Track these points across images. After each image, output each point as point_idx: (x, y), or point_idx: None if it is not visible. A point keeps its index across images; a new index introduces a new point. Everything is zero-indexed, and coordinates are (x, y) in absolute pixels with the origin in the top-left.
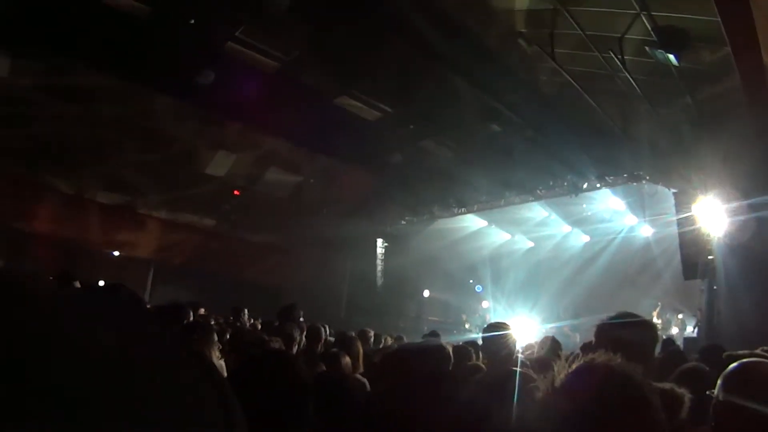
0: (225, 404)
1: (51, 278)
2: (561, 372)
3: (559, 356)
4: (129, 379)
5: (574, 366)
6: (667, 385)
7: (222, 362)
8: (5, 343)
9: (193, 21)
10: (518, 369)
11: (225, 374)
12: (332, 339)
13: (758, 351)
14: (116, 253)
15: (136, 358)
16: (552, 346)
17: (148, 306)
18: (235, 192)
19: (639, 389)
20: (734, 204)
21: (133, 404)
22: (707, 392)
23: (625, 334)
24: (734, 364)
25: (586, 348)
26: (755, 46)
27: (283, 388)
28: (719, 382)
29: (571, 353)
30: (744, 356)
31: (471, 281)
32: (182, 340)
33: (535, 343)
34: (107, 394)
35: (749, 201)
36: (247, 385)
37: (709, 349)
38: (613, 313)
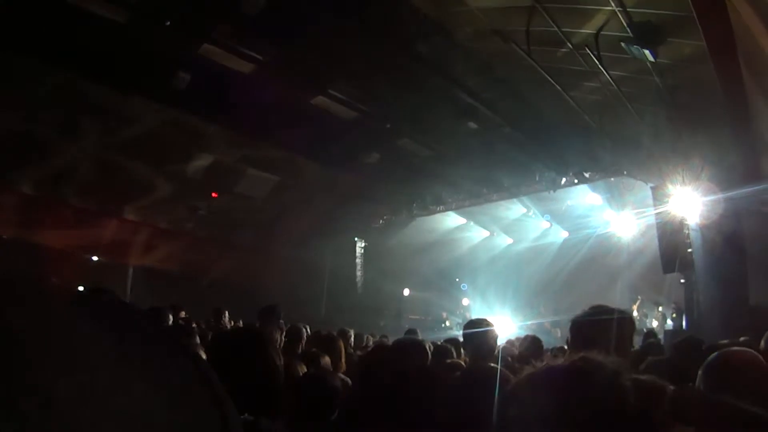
0: (219, 404)
1: None
2: (535, 367)
3: (541, 353)
4: (123, 379)
5: (544, 362)
6: (648, 377)
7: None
8: None
9: (168, 23)
10: (499, 366)
11: None
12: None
13: (741, 340)
14: (95, 258)
15: (130, 358)
16: (533, 342)
17: None
18: (213, 194)
19: (609, 389)
20: (712, 197)
21: (127, 405)
22: (689, 385)
23: (601, 328)
24: (713, 356)
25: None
26: (731, 41)
27: (253, 364)
28: (700, 373)
29: (552, 349)
30: (724, 346)
31: (457, 279)
32: (176, 340)
33: (516, 339)
34: (101, 393)
35: (726, 194)
36: (218, 362)
37: (686, 342)
38: (587, 308)
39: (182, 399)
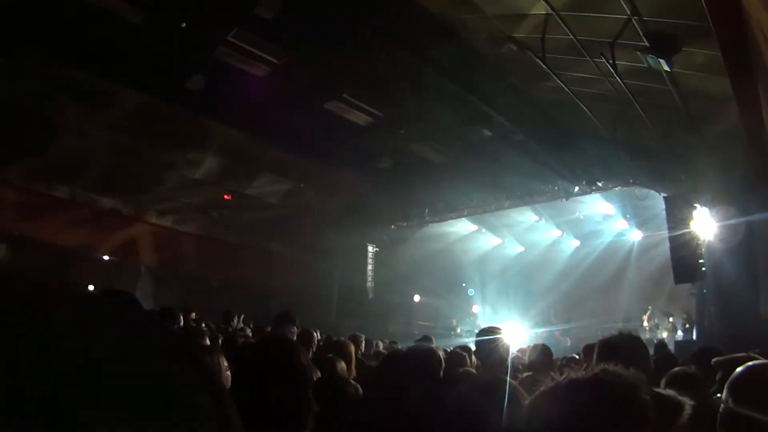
0: (221, 406)
1: None
2: (554, 379)
3: (550, 362)
4: (124, 379)
5: (565, 374)
6: (669, 392)
7: (229, 373)
8: (3, 342)
9: (184, 24)
10: (508, 377)
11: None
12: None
13: (752, 354)
14: (106, 257)
15: (132, 358)
16: (543, 351)
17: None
18: (226, 196)
19: (631, 401)
20: (725, 208)
21: (128, 406)
22: (714, 396)
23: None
24: (740, 369)
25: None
26: (746, 51)
27: (284, 373)
28: (726, 387)
29: (564, 358)
30: (737, 360)
31: (464, 284)
32: (178, 340)
33: (527, 347)
34: (102, 395)
35: (739, 206)
36: (249, 370)
37: (703, 352)
38: (610, 332)
39: (184, 400)
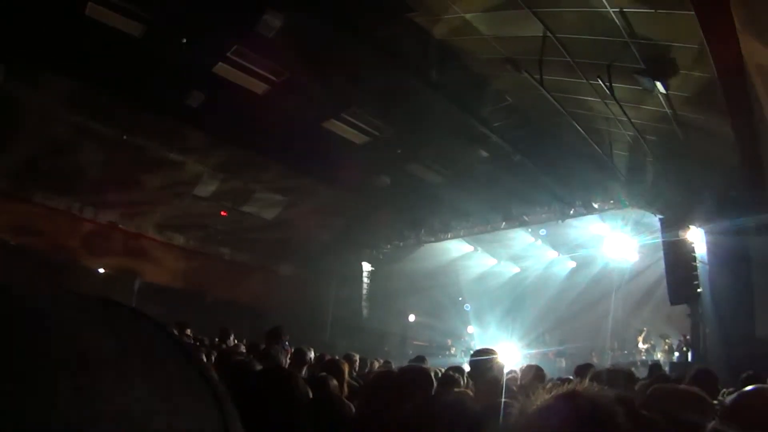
0: (220, 405)
1: None
2: (538, 399)
3: (542, 384)
4: (124, 379)
5: (552, 394)
6: (648, 414)
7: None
8: (2, 344)
9: (185, 40)
10: (503, 399)
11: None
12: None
13: (743, 376)
14: (101, 270)
15: (131, 358)
16: (536, 374)
17: None
18: (222, 213)
19: (610, 418)
20: (720, 230)
21: (127, 405)
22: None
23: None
24: (734, 394)
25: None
26: (741, 72)
27: (284, 402)
28: (720, 411)
29: (557, 379)
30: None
31: (460, 299)
32: (177, 341)
33: (519, 370)
34: (102, 394)
35: (735, 227)
36: (248, 399)
37: (701, 373)
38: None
39: (183, 399)
